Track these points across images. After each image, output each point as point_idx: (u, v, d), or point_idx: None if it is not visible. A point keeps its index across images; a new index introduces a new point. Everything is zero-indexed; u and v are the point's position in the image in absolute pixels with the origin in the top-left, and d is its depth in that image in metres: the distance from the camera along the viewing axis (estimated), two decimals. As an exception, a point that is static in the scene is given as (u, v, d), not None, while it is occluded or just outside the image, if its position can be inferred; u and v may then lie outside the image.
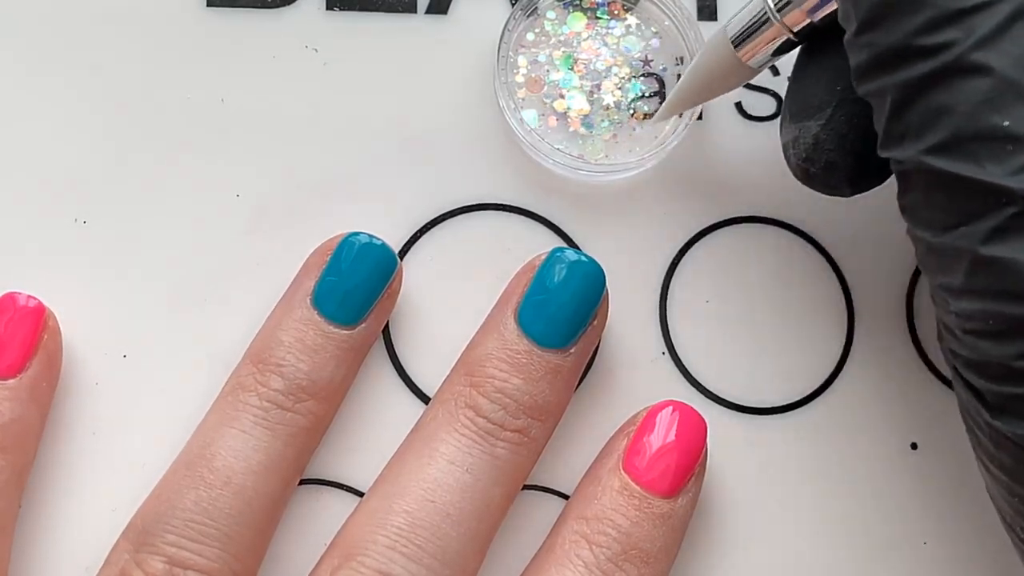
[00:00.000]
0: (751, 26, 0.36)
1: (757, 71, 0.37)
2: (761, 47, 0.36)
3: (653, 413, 0.37)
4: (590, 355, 0.38)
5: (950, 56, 0.27)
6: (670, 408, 0.37)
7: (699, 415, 0.37)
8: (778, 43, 0.36)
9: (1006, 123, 0.27)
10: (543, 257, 0.37)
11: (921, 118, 0.28)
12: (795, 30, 0.35)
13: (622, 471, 0.36)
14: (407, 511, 0.35)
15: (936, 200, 0.29)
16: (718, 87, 0.38)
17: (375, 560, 0.34)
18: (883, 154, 0.30)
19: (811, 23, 0.35)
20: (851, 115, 0.34)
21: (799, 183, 0.40)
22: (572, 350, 0.37)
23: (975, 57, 0.27)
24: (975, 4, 0.27)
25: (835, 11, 0.33)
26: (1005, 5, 0.27)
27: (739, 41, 0.36)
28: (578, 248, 0.40)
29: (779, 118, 0.36)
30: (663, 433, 0.37)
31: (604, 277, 0.37)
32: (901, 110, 0.29)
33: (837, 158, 0.34)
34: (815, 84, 0.35)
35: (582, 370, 0.38)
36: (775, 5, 0.35)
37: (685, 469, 0.36)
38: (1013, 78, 0.27)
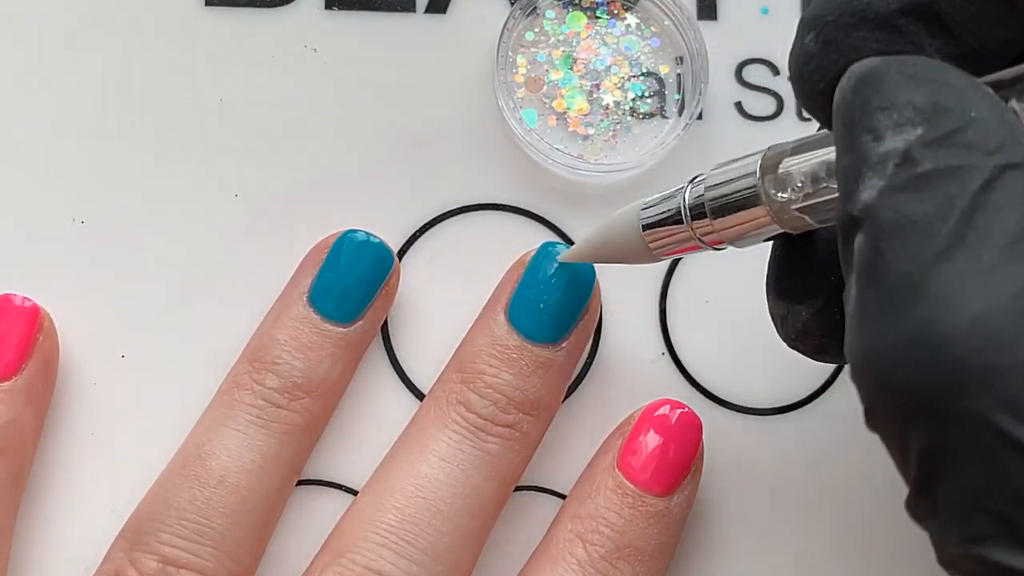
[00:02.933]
0: (665, 217, 0.33)
1: (667, 258, 0.35)
2: (671, 243, 0.33)
3: (648, 412, 0.37)
4: (583, 350, 0.38)
5: (993, 425, 0.22)
6: (666, 407, 0.37)
7: (694, 414, 0.37)
8: (693, 248, 0.33)
9: None
10: (533, 252, 0.38)
11: (956, 498, 0.23)
12: (712, 244, 0.32)
13: (616, 470, 0.36)
14: (397, 508, 0.35)
15: None
16: (619, 259, 0.35)
17: (365, 557, 0.34)
18: (910, 515, 0.25)
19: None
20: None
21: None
22: (563, 344, 0.37)
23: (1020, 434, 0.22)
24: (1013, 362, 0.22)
25: (768, 238, 0.31)
26: None
27: (650, 226, 0.33)
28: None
29: (764, 281, 0.33)
30: (658, 432, 0.37)
31: (594, 271, 0.37)
32: (929, 484, 0.24)
33: (828, 344, 0.32)
34: (803, 266, 0.32)
35: (575, 365, 0.38)
36: (690, 207, 0.32)
37: (680, 468, 0.36)
38: None
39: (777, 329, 0.33)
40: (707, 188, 0.32)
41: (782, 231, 0.31)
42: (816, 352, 0.32)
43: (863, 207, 0.25)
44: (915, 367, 0.23)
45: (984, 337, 0.23)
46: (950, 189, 0.24)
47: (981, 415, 0.23)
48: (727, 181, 0.31)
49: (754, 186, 0.30)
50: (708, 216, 0.32)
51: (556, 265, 0.37)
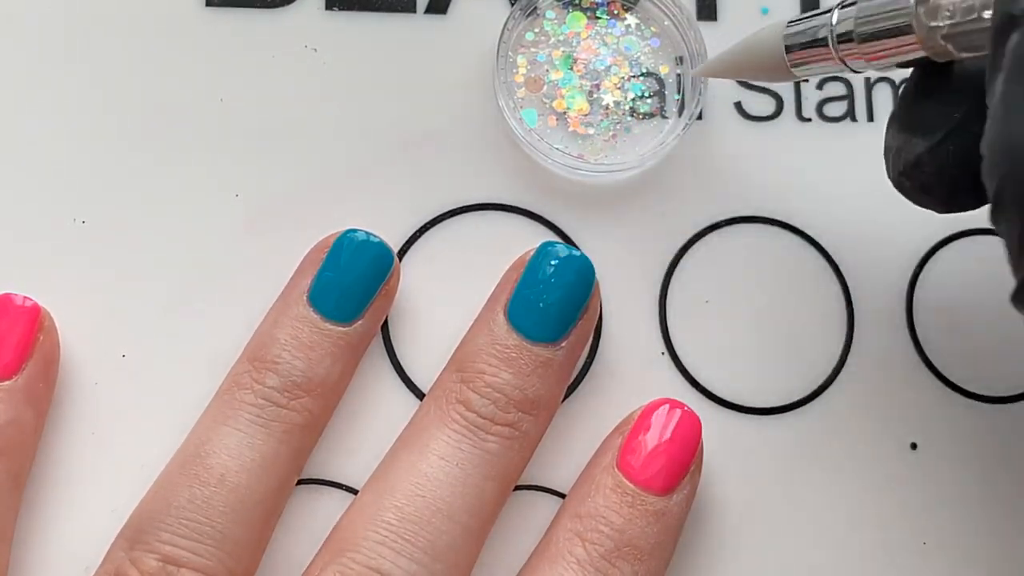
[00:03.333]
0: (809, 39, 0.35)
1: (800, 78, 0.37)
2: (811, 61, 0.35)
3: (648, 412, 0.37)
4: (583, 349, 0.38)
5: None
6: (665, 406, 0.37)
7: (694, 413, 0.37)
8: (833, 70, 0.35)
9: None
10: (532, 252, 0.38)
11: None
12: (854, 67, 0.34)
13: (616, 469, 0.36)
14: (397, 506, 0.35)
15: None
16: (757, 74, 0.38)
17: (365, 556, 0.34)
18: (1014, 303, 0.26)
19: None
20: (960, 147, 0.31)
21: (799, 183, 0.40)
22: (563, 344, 0.37)
23: None
24: None
25: (910, 60, 0.32)
26: None
27: (793, 47, 0.36)
28: (575, 246, 0.40)
29: (889, 114, 0.34)
30: (658, 431, 0.37)
31: (593, 271, 0.37)
32: None
33: (934, 183, 0.33)
34: (930, 101, 0.33)
35: (575, 364, 0.38)
36: (835, 30, 0.34)
37: (680, 467, 0.36)
38: None
39: (887, 165, 0.34)
40: (859, 10, 0.33)
41: (922, 56, 0.32)
42: (920, 191, 0.33)
43: None
44: None
45: None
46: None
47: None
48: (881, 4, 0.32)
49: (908, 11, 0.31)
50: (855, 40, 0.33)
51: (555, 265, 0.37)
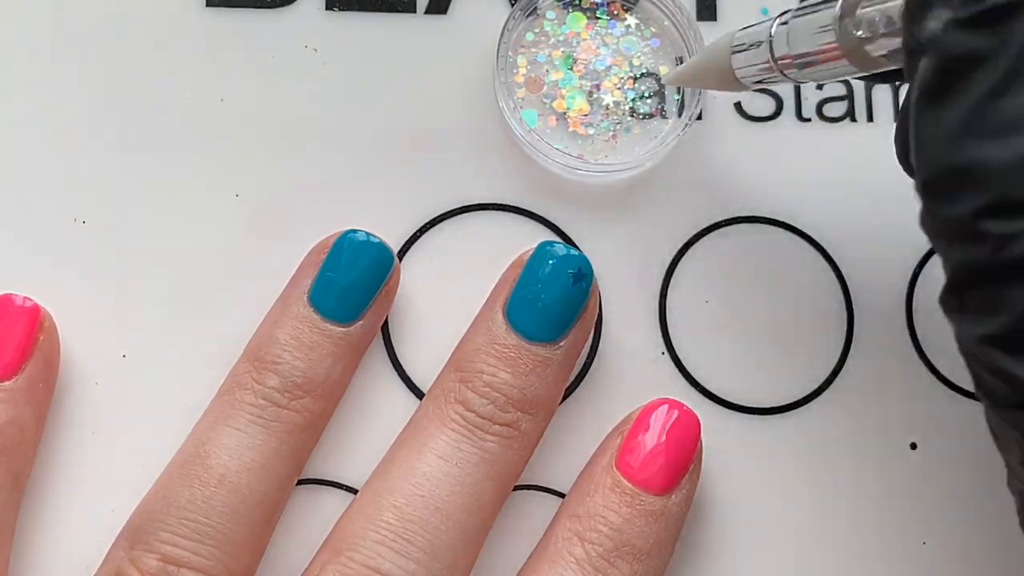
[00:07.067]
0: (752, 44, 0.35)
1: (749, 88, 0.37)
2: (755, 72, 0.36)
3: (647, 412, 0.37)
4: (582, 349, 0.38)
5: (1010, 253, 0.25)
6: (664, 406, 0.37)
7: (693, 413, 0.37)
8: (777, 80, 0.35)
9: None
10: (531, 251, 0.38)
11: (977, 304, 0.26)
12: (792, 78, 0.35)
13: (615, 469, 0.36)
14: (396, 506, 0.35)
15: (993, 382, 0.27)
16: (712, 85, 0.38)
17: (364, 555, 0.34)
18: (942, 309, 0.28)
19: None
20: None
21: (799, 183, 0.40)
22: (562, 343, 0.37)
23: None
24: None
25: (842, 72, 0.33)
26: None
27: (738, 57, 0.36)
28: (575, 246, 0.40)
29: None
30: (657, 431, 0.37)
31: (592, 271, 0.37)
32: (958, 288, 0.27)
33: None
34: None
35: (574, 364, 0.38)
36: (774, 41, 0.34)
37: (679, 466, 0.36)
38: None
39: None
40: (791, 20, 0.34)
41: (856, 70, 0.32)
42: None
43: (929, 36, 0.26)
44: (962, 193, 0.26)
45: None
46: (1014, 26, 0.25)
47: (1008, 239, 0.25)
48: (808, 15, 0.33)
49: (829, 23, 0.32)
50: (788, 48, 0.34)
51: (554, 264, 0.37)
